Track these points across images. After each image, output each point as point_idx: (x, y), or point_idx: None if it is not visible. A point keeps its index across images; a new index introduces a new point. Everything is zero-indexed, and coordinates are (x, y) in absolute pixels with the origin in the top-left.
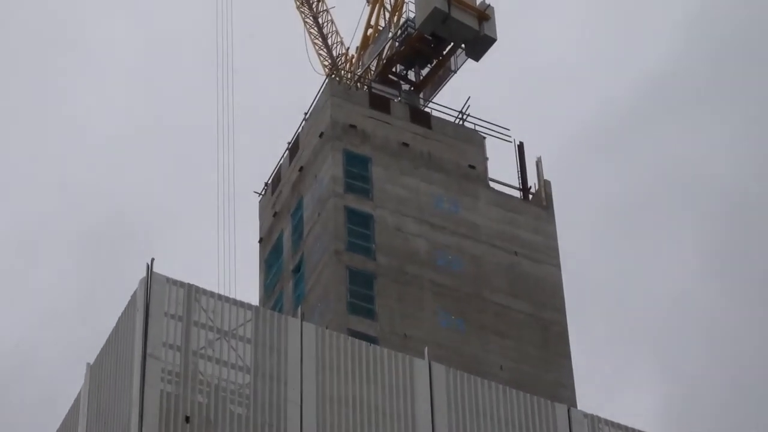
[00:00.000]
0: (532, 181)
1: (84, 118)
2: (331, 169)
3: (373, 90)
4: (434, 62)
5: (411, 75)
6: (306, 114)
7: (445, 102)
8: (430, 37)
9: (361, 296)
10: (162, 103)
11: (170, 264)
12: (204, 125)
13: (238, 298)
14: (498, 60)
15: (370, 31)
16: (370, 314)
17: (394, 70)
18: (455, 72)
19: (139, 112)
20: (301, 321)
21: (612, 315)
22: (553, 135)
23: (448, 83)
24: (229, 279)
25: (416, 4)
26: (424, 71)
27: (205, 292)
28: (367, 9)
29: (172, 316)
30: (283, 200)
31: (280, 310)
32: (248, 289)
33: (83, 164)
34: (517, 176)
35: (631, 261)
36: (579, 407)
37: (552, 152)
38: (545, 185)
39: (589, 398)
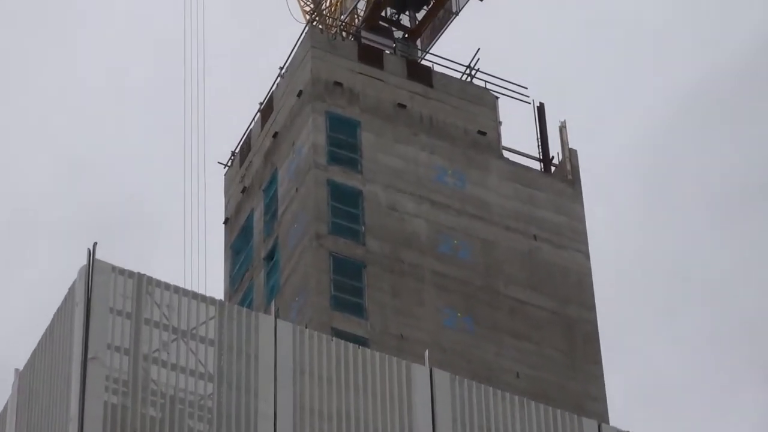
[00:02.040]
0: (555, 150)
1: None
2: (311, 136)
3: (363, 40)
4: (431, 1)
5: (405, 20)
6: (282, 69)
7: (449, 55)
8: None
9: (347, 289)
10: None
11: (119, 250)
12: (172, 77)
13: (199, 290)
14: None
15: None
16: (358, 311)
17: (383, 14)
18: (457, 14)
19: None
20: (275, 318)
21: (653, 312)
22: (579, 95)
23: (451, 30)
24: (189, 268)
25: None
26: (420, 14)
27: (158, 283)
28: None
29: (119, 313)
30: (253, 173)
31: (249, 306)
32: (211, 280)
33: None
34: (536, 144)
35: (674, 246)
36: (611, 423)
37: (578, 115)
38: (570, 155)
39: (622, 412)
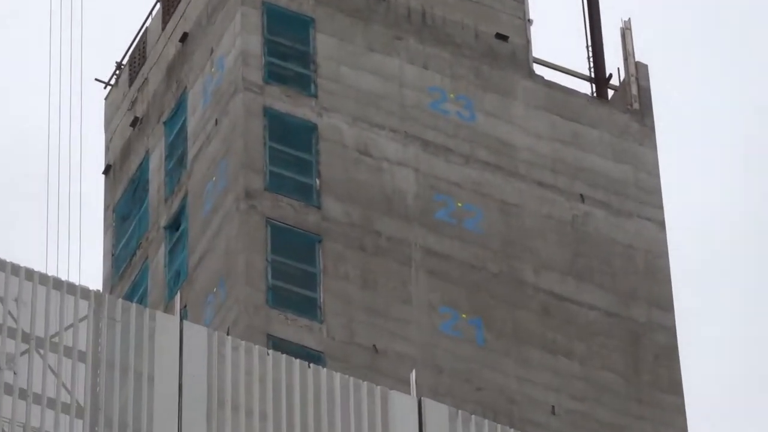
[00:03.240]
0: (614, 65)
1: None
2: (239, 40)
3: None
4: None
5: None
6: None
7: None
8: None
9: (294, 276)
10: None
11: None
12: None
13: (64, 276)
14: None
15: None
16: (310, 310)
17: None
18: None
19: None
20: (181, 320)
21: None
22: None
23: None
24: (48, 242)
25: None
26: None
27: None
28: None
29: None
30: (149, 97)
31: (141, 301)
32: (85, 260)
33: None
34: (586, 57)
35: None
36: None
37: (649, 13)
38: (638, 72)
39: None
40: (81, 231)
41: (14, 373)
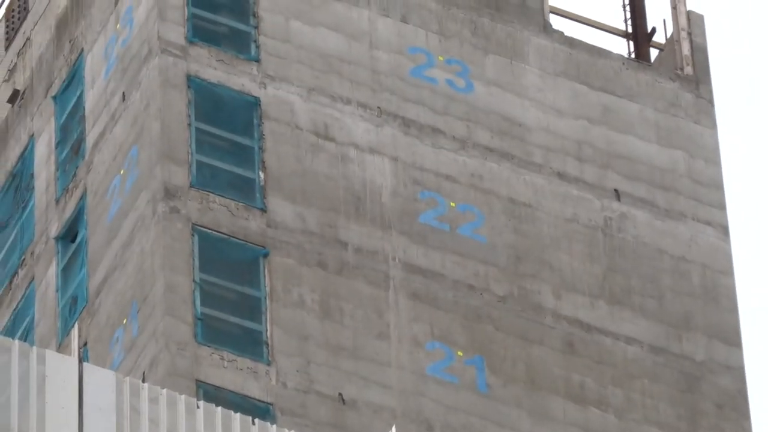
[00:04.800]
0: (658, 17)
1: None
2: None
3: None
4: None
5: None
6: None
7: None
8: None
9: (230, 303)
10: None
11: None
12: None
13: None
14: None
15: None
16: (252, 347)
17: None
18: None
19: None
20: (80, 362)
21: None
22: None
23: None
24: None
25: None
26: None
27: None
28: None
29: None
30: (32, 64)
31: (26, 337)
32: None
33: None
34: (621, 6)
35: None
36: None
37: None
38: (691, 26)
39: None
40: None
41: None
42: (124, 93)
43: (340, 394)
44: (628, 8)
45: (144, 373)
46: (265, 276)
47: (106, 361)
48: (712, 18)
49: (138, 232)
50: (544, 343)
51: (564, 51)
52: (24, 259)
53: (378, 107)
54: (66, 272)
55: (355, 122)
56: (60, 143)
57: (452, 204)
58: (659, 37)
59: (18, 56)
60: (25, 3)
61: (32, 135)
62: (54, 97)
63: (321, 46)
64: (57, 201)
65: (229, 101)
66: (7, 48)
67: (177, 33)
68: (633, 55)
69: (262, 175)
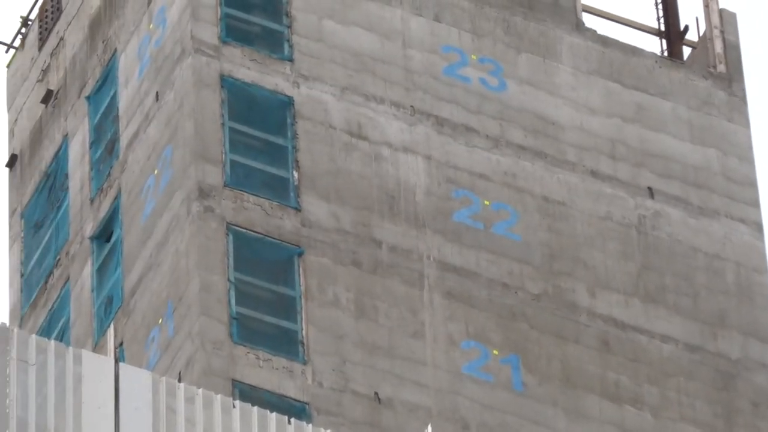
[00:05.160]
0: (691, 14)
1: None
2: None
3: None
4: None
5: None
6: None
7: None
8: None
9: (265, 302)
10: None
11: None
12: None
13: None
14: None
15: None
16: (287, 346)
17: None
18: None
19: None
20: (116, 362)
21: None
22: None
23: None
24: None
25: None
26: None
27: None
28: None
29: None
30: (66, 64)
31: (62, 337)
32: None
33: None
34: (653, 4)
35: None
36: None
37: None
38: (724, 23)
39: None
40: None
41: None
42: (157, 93)
43: (375, 393)
44: (660, 6)
45: (180, 373)
46: (300, 275)
47: (142, 361)
48: (744, 16)
49: (173, 232)
50: (579, 342)
51: (597, 49)
52: (59, 259)
53: (411, 106)
54: (101, 272)
55: (388, 121)
56: (94, 143)
57: (486, 202)
58: (692, 35)
59: (51, 56)
60: (58, 3)
61: (66, 135)
62: (87, 97)
63: (354, 45)
64: (92, 201)
65: (262, 101)
66: (40, 48)
67: (210, 33)
68: (666, 54)
69: (296, 174)
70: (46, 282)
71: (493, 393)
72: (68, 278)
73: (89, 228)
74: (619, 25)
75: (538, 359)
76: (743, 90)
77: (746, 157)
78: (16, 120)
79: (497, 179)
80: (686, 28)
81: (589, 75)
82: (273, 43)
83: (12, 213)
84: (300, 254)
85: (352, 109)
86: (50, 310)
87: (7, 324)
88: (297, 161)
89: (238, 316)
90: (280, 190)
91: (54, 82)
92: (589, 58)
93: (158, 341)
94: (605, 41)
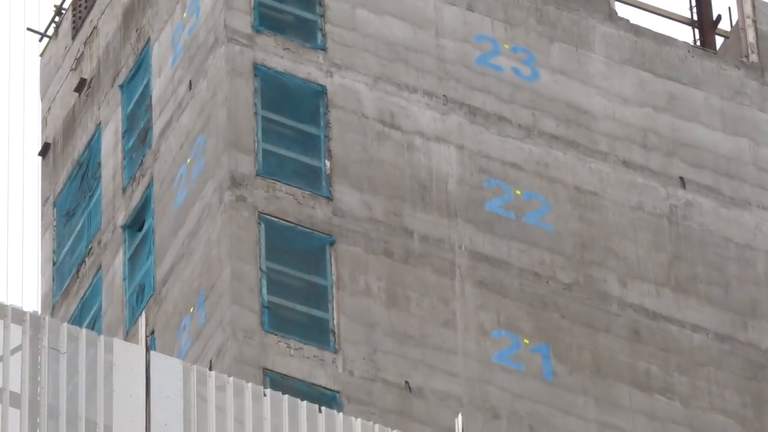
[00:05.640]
0: (724, 4)
1: None
2: None
3: None
4: None
5: None
6: None
7: None
8: None
9: (297, 291)
10: None
11: None
12: None
13: None
14: None
15: None
16: (318, 335)
17: None
18: None
19: None
20: (148, 350)
21: None
22: None
23: None
24: None
25: None
26: None
27: None
28: None
29: None
30: (99, 53)
31: (94, 325)
32: (15, 272)
33: None
34: None
35: None
36: None
37: None
38: (756, 13)
39: None
40: (9, 231)
41: None
42: (190, 81)
43: (406, 382)
44: None
45: (211, 362)
46: (331, 264)
47: (173, 350)
48: None
49: (204, 221)
50: (609, 331)
51: (629, 39)
52: (91, 247)
53: (444, 95)
54: (133, 261)
55: (421, 110)
56: (127, 132)
57: (518, 192)
58: (724, 25)
59: (85, 45)
60: None
61: (99, 124)
62: (121, 86)
63: (387, 34)
64: (124, 190)
65: (295, 90)
66: (74, 37)
67: (243, 22)
68: (698, 43)
69: (328, 163)
70: (78, 270)
71: (524, 382)
72: (100, 267)
73: (121, 217)
74: (652, 15)
75: (568, 349)
76: None
77: None
78: (49, 109)
79: (529, 169)
80: (719, 17)
81: (621, 64)
82: (306, 32)
83: (44, 202)
84: (332, 243)
85: (384, 98)
86: (82, 298)
87: (39, 312)
88: (329, 150)
89: (269, 304)
90: (312, 179)
91: (87, 70)
92: (622, 47)
93: (189, 330)
94: (638, 30)
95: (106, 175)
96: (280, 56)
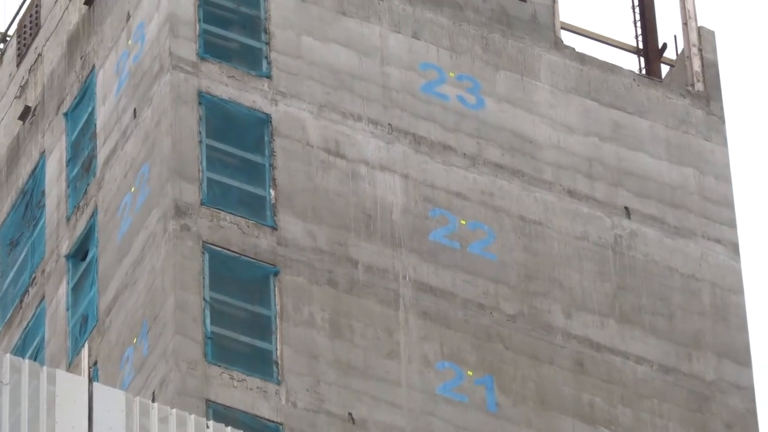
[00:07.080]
0: (669, 32)
1: None
2: (165, 1)
3: None
4: None
5: None
6: None
7: None
8: None
9: (240, 322)
10: None
11: None
12: None
13: None
14: None
15: None
16: (262, 366)
17: None
18: None
19: None
20: (90, 382)
21: None
22: None
23: None
24: None
25: None
26: None
27: None
28: None
29: None
30: (44, 80)
31: (36, 356)
32: None
33: None
34: (632, 22)
35: None
36: None
37: None
38: (701, 43)
39: None
40: None
41: None
42: (135, 109)
43: (350, 414)
44: (639, 24)
45: (154, 393)
46: (275, 294)
47: (116, 381)
48: (723, 34)
49: (149, 250)
50: (554, 363)
51: (575, 67)
52: (35, 277)
53: (389, 124)
54: (76, 290)
55: (366, 139)
56: (71, 160)
57: (463, 222)
58: (670, 53)
59: (29, 72)
60: (36, 19)
61: (43, 152)
62: (65, 114)
63: (332, 62)
64: (68, 219)
65: (240, 118)
66: (18, 64)
67: (188, 49)
68: (644, 71)
69: (272, 192)
70: (21, 300)
71: (468, 414)
72: (43, 296)
73: (65, 246)
74: (598, 43)
75: (512, 380)
76: (721, 109)
77: (723, 176)
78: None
79: (474, 198)
80: (664, 46)
81: (567, 93)
82: (251, 60)
83: None
84: (276, 273)
85: (329, 126)
86: (25, 328)
87: None
88: (274, 179)
89: (212, 335)
90: (256, 209)
91: (32, 98)
92: (567, 75)
93: (132, 360)
94: (583, 59)
95: (50, 204)
96: (225, 84)
